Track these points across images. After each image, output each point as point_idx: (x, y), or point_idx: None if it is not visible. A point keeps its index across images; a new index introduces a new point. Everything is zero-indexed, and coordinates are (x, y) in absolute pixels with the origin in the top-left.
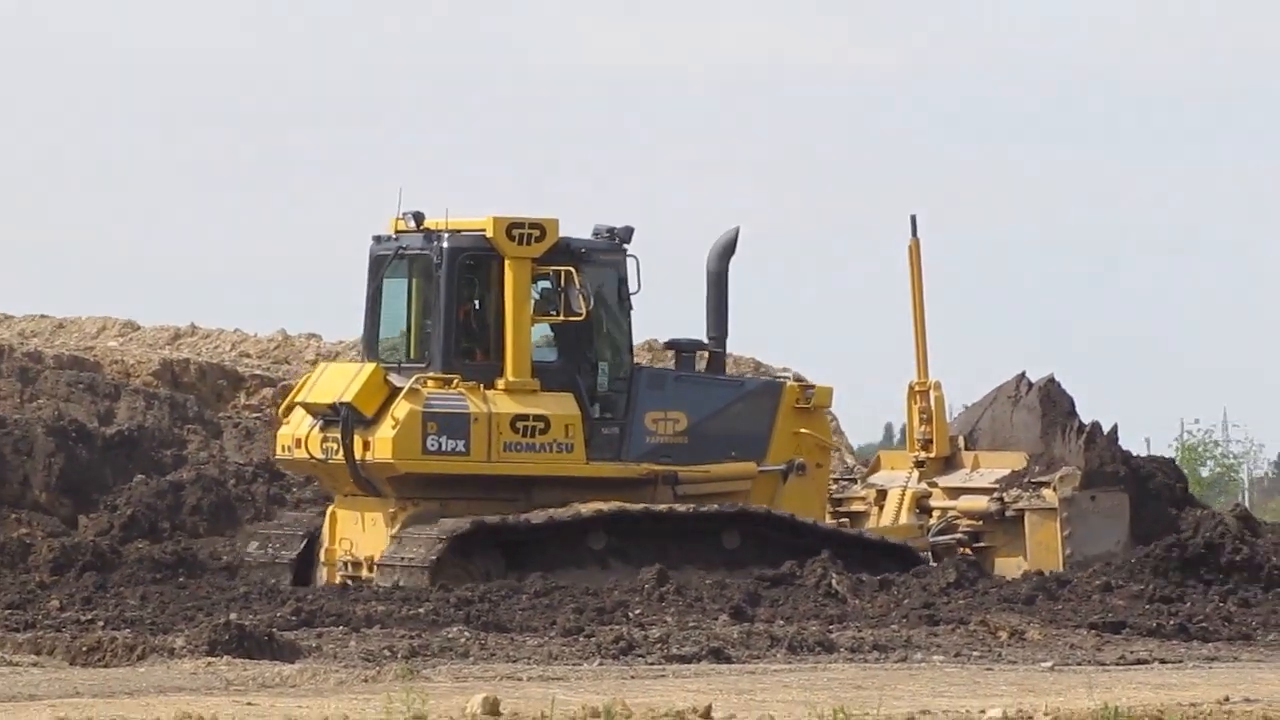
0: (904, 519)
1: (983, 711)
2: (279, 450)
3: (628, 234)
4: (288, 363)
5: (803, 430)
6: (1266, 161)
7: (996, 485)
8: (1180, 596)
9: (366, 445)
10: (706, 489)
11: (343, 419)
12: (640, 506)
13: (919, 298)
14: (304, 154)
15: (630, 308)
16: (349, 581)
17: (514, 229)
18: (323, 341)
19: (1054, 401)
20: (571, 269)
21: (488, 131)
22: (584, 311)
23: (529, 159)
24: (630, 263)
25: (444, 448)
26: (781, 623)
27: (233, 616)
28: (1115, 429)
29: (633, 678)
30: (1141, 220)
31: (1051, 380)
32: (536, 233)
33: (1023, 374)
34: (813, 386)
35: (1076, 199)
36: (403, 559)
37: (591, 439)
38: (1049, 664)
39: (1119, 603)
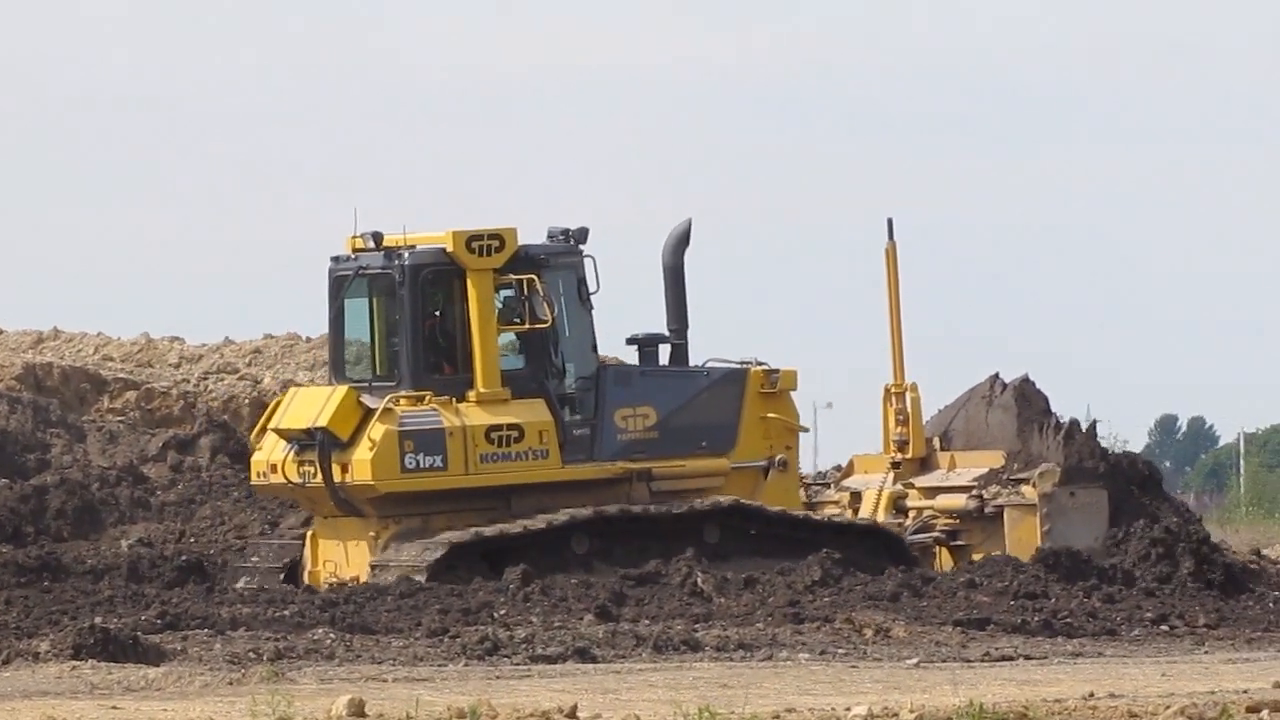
0: (881, 519)
1: (848, 709)
2: (254, 476)
3: (583, 234)
4: (151, 365)
5: (770, 415)
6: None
7: (975, 483)
8: (1044, 593)
9: (345, 468)
10: (681, 484)
11: (319, 443)
12: (617, 508)
13: (895, 300)
14: (166, 157)
15: (591, 307)
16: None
17: (473, 241)
18: (185, 344)
19: (1029, 400)
20: (534, 276)
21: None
22: (549, 318)
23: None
24: (588, 263)
25: (422, 465)
26: (647, 622)
27: (97, 620)
28: (1094, 425)
29: (498, 678)
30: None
31: (1026, 379)
32: (496, 243)
33: (996, 375)
34: (777, 370)
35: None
36: (398, 563)
37: (565, 442)
38: (914, 661)
39: (984, 599)
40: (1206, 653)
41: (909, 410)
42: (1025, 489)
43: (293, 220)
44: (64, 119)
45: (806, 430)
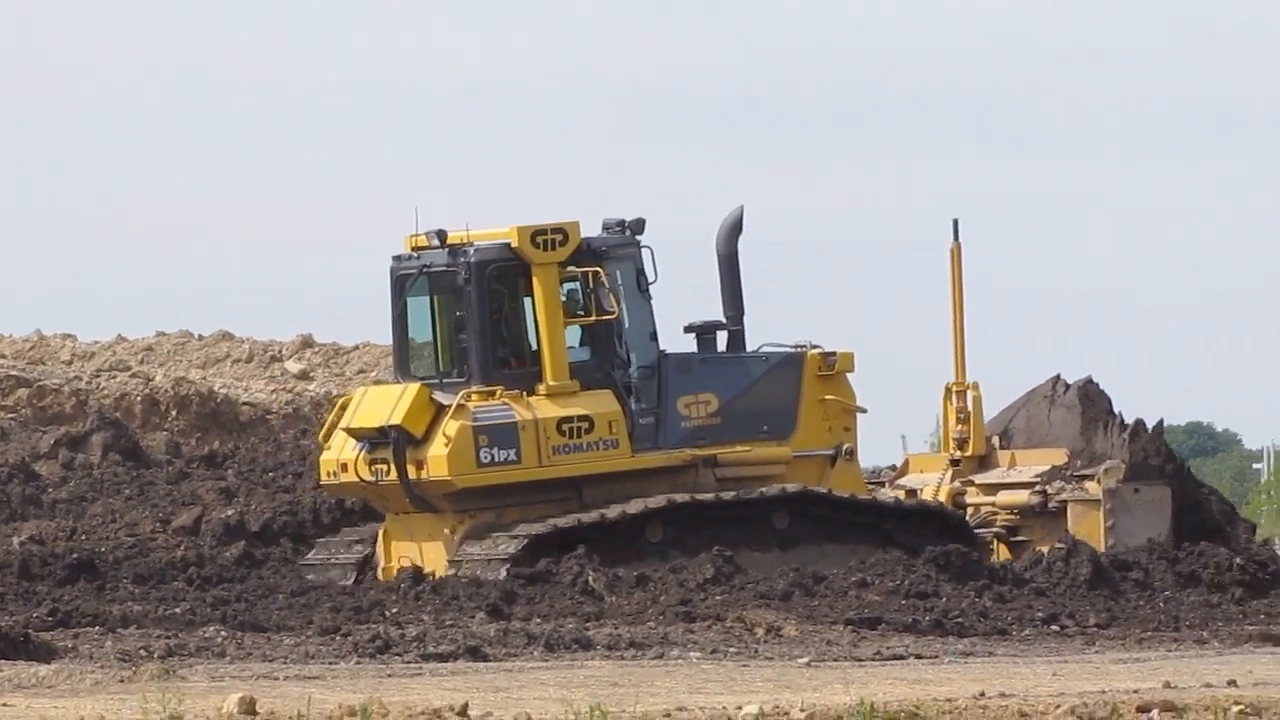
0: None
1: (739, 708)
2: (324, 476)
3: (640, 225)
4: (43, 363)
5: (828, 397)
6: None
7: (1037, 479)
8: (936, 592)
9: (420, 465)
10: (746, 471)
11: (393, 441)
12: (709, 495)
13: (959, 300)
14: (57, 151)
15: (650, 297)
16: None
17: (538, 236)
18: (78, 342)
19: (1093, 400)
20: (598, 269)
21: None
22: (615, 309)
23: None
24: (645, 253)
25: (496, 459)
26: (538, 620)
27: None
28: (1161, 424)
29: (389, 676)
30: None
31: (1090, 380)
32: (560, 237)
33: (1058, 375)
34: (834, 353)
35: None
36: (481, 555)
37: (632, 431)
38: (805, 660)
39: (875, 598)
40: (1097, 652)
41: (970, 408)
42: (1089, 485)
43: (182, 214)
44: None
45: (865, 411)
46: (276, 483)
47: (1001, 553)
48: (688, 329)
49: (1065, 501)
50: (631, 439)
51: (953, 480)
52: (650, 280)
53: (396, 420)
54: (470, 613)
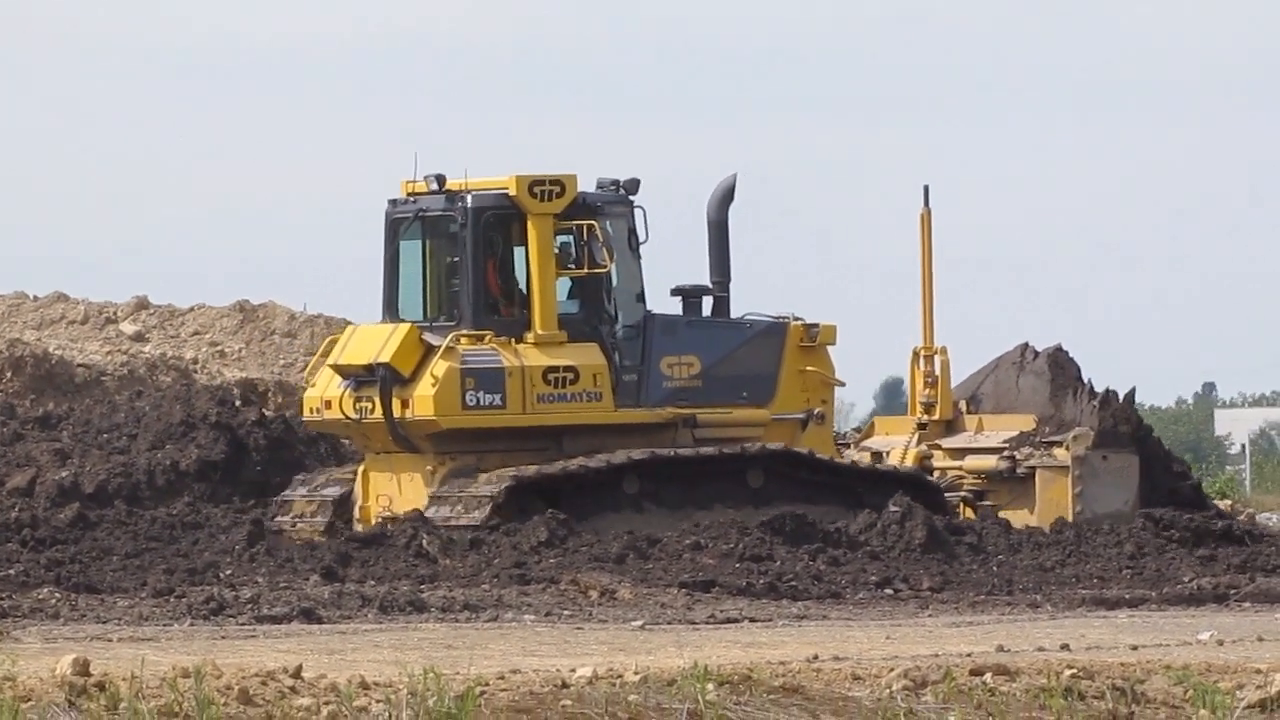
0: None
1: (573, 670)
2: (307, 412)
3: (634, 185)
4: None
5: (809, 368)
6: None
7: (1005, 445)
8: (770, 555)
9: (405, 404)
10: (724, 432)
11: (380, 379)
12: (671, 450)
13: (928, 265)
14: None
15: (640, 257)
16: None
17: (535, 186)
18: None
19: (1062, 367)
20: (593, 223)
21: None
22: (608, 263)
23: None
24: (638, 213)
25: (482, 402)
26: (373, 583)
27: None
28: (1133, 392)
29: (223, 638)
30: None
31: (1060, 348)
32: (557, 189)
33: (1026, 343)
34: (817, 325)
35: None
36: (456, 506)
37: (616, 386)
38: (639, 623)
39: (709, 561)
40: (930, 616)
41: (938, 373)
42: (1058, 451)
43: (15, 174)
44: None
45: (843, 384)
46: (111, 444)
47: (967, 517)
48: (674, 291)
49: (1034, 467)
50: (615, 394)
51: (919, 444)
52: (641, 240)
53: (385, 358)
54: (304, 575)
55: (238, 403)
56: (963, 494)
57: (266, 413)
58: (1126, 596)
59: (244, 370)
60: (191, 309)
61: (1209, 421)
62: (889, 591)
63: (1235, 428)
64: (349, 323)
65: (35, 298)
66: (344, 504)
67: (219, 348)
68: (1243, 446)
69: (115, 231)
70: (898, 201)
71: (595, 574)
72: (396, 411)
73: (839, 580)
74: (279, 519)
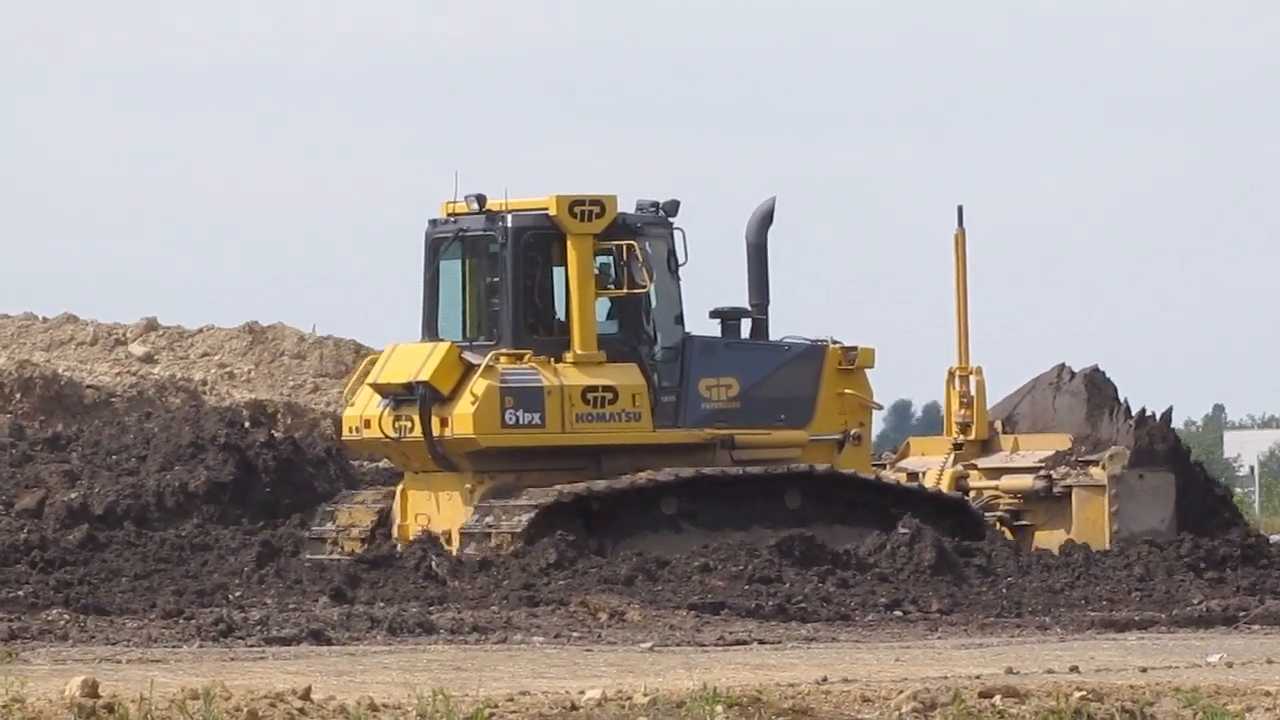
0: None
1: (582, 692)
2: (346, 431)
3: (673, 207)
4: None
5: (847, 391)
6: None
7: (1041, 464)
8: (779, 577)
9: (445, 422)
10: (762, 454)
11: (420, 397)
12: (717, 470)
13: (963, 285)
14: None
15: (679, 279)
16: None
17: (576, 206)
18: None
19: (1099, 387)
20: (633, 243)
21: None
22: (647, 284)
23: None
24: (677, 235)
25: (521, 421)
26: (381, 604)
27: None
28: (1170, 411)
29: (232, 660)
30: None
31: (1096, 369)
32: (597, 209)
33: (1063, 364)
34: (855, 348)
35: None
36: (492, 527)
37: (654, 407)
38: (648, 645)
39: (718, 583)
40: (939, 638)
41: (973, 393)
42: (1094, 470)
43: (25, 195)
44: None
45: (880, 408)
46: (120, 465)
47: (1006, 537)
48: (713, 314)
49: (1070, 487)
50: (653, 415)
51: (955, 464)
52: (680, 262)
53: (425, 377)
54: (313, 596)
55: (247, 424)
56: (999, 514)
57: (275, 434)
58: (1136, 618)
59: (253, 391)
60: (200, 330)
61: (1218, 443)
62: (898, 613)
63: (1245, 449)
64: (358, 344)
65: (44, 319)
66: (383, 523)
67: (228, 369)
68: (1252, 468)
69: (124, 252)
70: (930, 219)
71: (604, 596)
72: (436, 430)
73: (848, 602)
74: (313, 544)
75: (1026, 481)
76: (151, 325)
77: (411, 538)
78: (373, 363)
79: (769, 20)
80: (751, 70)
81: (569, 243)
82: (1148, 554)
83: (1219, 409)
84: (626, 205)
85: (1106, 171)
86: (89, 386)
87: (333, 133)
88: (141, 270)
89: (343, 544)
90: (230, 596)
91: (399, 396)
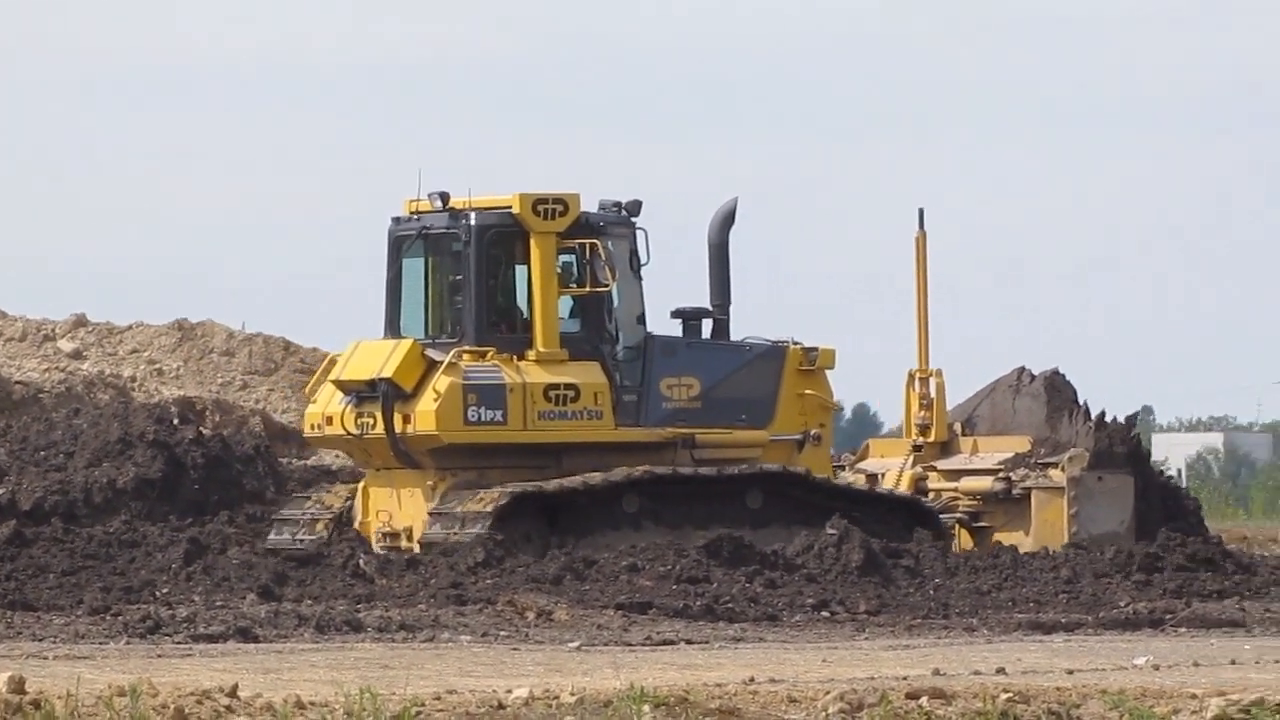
0: None
1: (509, 691)
2: (308, 428)
3: (636, 207)
4: None
5: (807, 392)
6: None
7: (1000, 466)
8: (707, 577)
9: (407, 419)
10: (723, 453)
11: (382, 394)
12: (689, 469)
13: (923, 287)
14: None
15: (641, 279)
16: (389, 552)
17: (539, 205)
18: None
19: (1059, 390)
20: (596, 242)
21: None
22: (610, 282)
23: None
24: (640, 235)
25: (483, 418)
26: (309, 602)
27: None
28: (1135, 415)
29: (159, 657)
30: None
31: (1056, 372)
32: (560, 208)
33: (1023, 367)
34: (815, 349)
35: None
36: (456, 521)
37: (616, 405)
38: (576, 644)
39: (646, 583)
40: (867, 639)
41: (933, 395)
42: (1053, 472)
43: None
44: None
45: (841, 409)
46: (48, 462)
47: (963, 539)
48: (674, 314)
49: (1029, 489)
50: (615, 413)
51: (914, 466)
52: (643, 262)
53: (388, 373)
54: (241, 594)
55: (175, 421)
56: (957, 516)
57: (204, 431)
58: (1063, 621)
59: (182, 388)
60: (130, 327)
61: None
62: (825, 614)
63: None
64: (288, 341)
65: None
66: (343, 521)
67: (157, 366)
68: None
69: (53, 248)
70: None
71: (532, 595)
72: (398, 427)
73: (776, 603)
74: (276, 538)
75: (986, 483)
76: (80, 321)
77: (373, 536)
78: (334, 361)
79: (731, 22)
80: (714, 71)
81: (532, 241)
82: (1074, 556)
83: (1147, 410)
84: (589, 205)
85: (1066, 176)
86: (17, 382)
87: (270, 130)
88: (70, 266)
89: (313, 528)
90: (158, 593)
91: (361, 393)
